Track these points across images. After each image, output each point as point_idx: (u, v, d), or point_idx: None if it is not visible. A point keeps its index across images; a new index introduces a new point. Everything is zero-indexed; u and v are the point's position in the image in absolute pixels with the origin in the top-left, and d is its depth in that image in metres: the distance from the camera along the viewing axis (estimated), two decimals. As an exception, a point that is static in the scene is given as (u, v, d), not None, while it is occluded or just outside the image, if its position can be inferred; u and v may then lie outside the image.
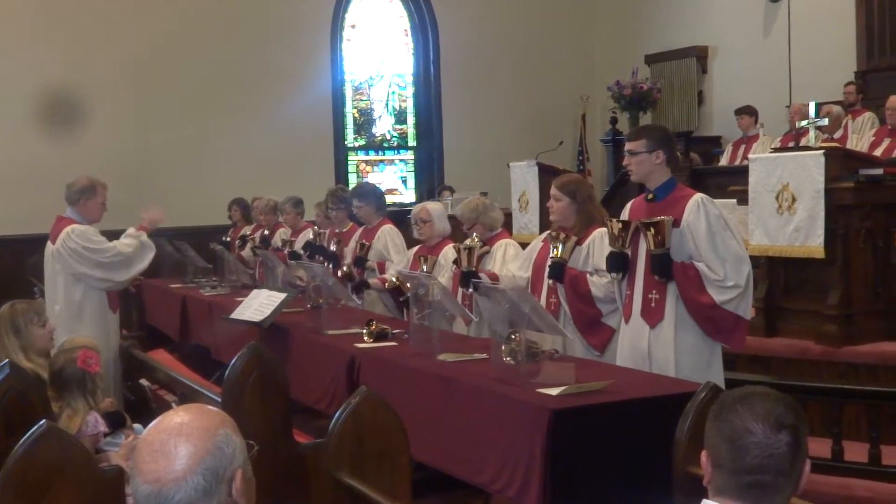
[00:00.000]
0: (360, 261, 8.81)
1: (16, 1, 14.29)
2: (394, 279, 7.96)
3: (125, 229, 8.46)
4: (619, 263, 5.88)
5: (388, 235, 8.80)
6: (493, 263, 7.37)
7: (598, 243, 6.34)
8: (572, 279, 6.36)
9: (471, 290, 6.91)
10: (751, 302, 5.76)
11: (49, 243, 8.26)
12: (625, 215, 6.05)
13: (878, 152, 10.81)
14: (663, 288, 5.73)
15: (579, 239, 6.45)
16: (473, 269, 7.10)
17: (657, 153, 5.82)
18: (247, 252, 11.66)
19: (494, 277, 6.96)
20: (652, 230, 5.68)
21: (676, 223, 5.69)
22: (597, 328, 6.30)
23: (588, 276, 6.33)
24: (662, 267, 5.68)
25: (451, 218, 8.67)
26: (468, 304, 7.34)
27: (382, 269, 8.67)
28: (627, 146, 5.90)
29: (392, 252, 8.71)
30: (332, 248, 9.45)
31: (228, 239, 12.61)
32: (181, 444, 2.29)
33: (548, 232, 6.81)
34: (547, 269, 6.51)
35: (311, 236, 10.09)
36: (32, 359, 6.06)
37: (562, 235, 6.47)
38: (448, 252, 7.90)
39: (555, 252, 6.46)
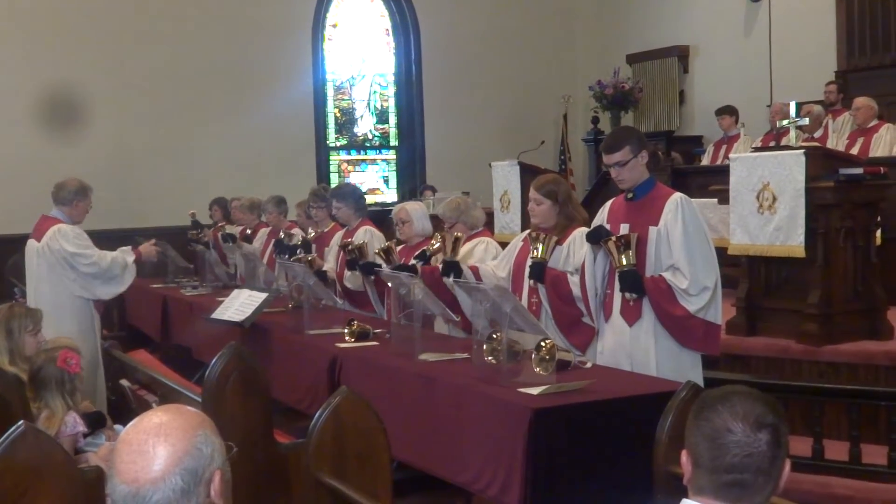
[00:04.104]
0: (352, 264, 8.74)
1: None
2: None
3: (106, 229, 8.44)
4: (635, 282, 5.72)
5: (361, 237, 8.76)
6: (471, 260, 7.34)
7: (579, 242, 6.33)
8: (553, 279, 6.35)
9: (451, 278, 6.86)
10: (720, 308, 5.77)
11: (32, 241, 8.20)
12: (603, 214, 6.05)
13: (853, 153, 10.86)
14: (640, 287, 5.75)
15: (559, 239, 6.44)
16: (456, 258, 7.00)
17: (642, 154, 5.82)
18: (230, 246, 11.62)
19: (474, 269, 6.93)
20: (615, 245, 5.68)
21: (655, 222, 5.69)
22: (578, 328, 6.28)
23: (569, 275, 6.32)
24: (632, 283, 5.68)
25: (434, 217, 8.65)
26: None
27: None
28: (612, 159, 5.80)
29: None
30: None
31: (208, 238, 12.59)
32: (160, 444, 2.28)
33: (527, 232, 6.80)
34: (527, 270, 6.50)
35: (283, 236, 10.04)
36: (17, 363, 6.05)
37: (541, 236, 6.45)
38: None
39: (535, 253, 6.45)
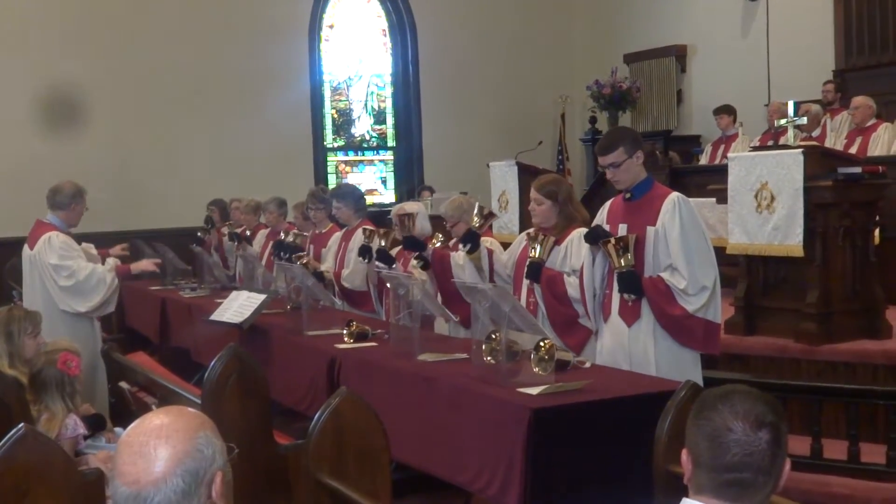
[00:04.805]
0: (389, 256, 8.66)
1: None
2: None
3: (104, 231, 8.41)
4: (633, 283, 5.75)
5: (361, 238, 8.75)
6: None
7: (577, 244, 6.33)
8: (549, 280, 6.35)
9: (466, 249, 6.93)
10: (720, 307, 5.77)
11: (27, 247, 8.17)
12: (602, 215, 6.05)
13: (851, 152, 10.86)
14: (639, 287, 5.75)
15: (558, 239, 6.44)
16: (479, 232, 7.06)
17: (637, 154, 5.83)
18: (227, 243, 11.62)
19: (490, 252, 6.96)
20: (612, 243, 5.68)
21: (653, 222, 5.70)
22: (573, 329, 6.28)
23: (565, 276, 6.32)
24: (631, 284, 5.69)
25: (434, 218, 8.65)
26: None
27: (338, 277, 8.68)
28: (606, 160, 5.83)
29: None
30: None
31: (201, 236, 12.59)
32: (161, 446, 2.28)
33: (526, 232, 6.81)
34: (525, 270, 6.51)
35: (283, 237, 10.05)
36: (17, 366, 6.05)
37: (540, 236, 6.46)
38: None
39: (533, 252, 6.46)
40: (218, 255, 11.57)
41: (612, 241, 5.68)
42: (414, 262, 7.53)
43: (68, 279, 7.98)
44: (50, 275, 7.96)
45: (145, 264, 8.61)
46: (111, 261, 8.32)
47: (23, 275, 8.35)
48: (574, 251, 6.36)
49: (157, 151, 14.81)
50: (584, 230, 6.33)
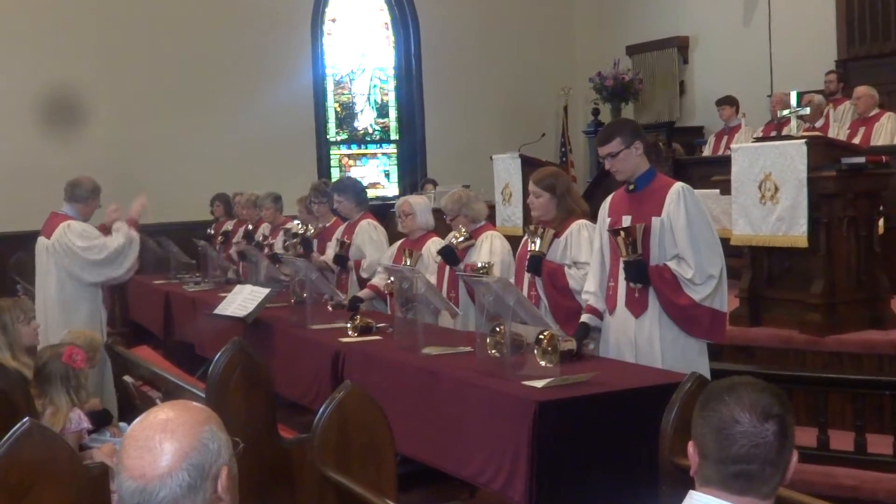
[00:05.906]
0: (339, 259, 8.76)
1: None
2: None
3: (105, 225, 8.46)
4: (640, 272, 5.75)
5: (364, 230, 8.76)
6: (477, 255, 7.36)
7: (576, 236, 6.36)
8: (550, 272, 6.36)
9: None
10: (726, 296, 5.76)
11: (42, 238, 8.29)
12: (604, 210, 6.04)
13: (855, 142, 10.85)
14: (646, 279, 5.74)
15: (557, 231, 6.44)
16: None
17: (635, 145, 5.81)
18: (233, 250, 11.60)
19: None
20: (622, 236, 5.68)
21: (658, 213, 5.69)
22: (576, 321, 6.26)
23: (566, 268, 6.33)
24: (638, 273, 5.68)
25: (436, 211, 8.66)
26: (454, 296, 7.36)
27: (358, 267, 8.66)
28: (604, 150, 5.83)
29: (368, 247, 8.67)
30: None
31: (212, 231, 12.60)
32: (166, 440, 2.28)
33: (526, 226, 6.82)
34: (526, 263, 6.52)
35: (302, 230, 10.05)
36: (19, 357, 6.05)
37: (539, 229, 6.46)
38: (431, 246, 7.89)
39: (533, 246, 6.46)
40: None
41: (623, 235, 5.68)
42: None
43: (100, 253, 8.21)
44: (78, 256, 8.15)
45: (137, 207, 8.64)
46: (120, 223, 8.41)
47: (36, 266, 8.45)
48: (573, 243, 6.38)
49: (160, 146, 14.78)
50: (584, 222, 6.37)
